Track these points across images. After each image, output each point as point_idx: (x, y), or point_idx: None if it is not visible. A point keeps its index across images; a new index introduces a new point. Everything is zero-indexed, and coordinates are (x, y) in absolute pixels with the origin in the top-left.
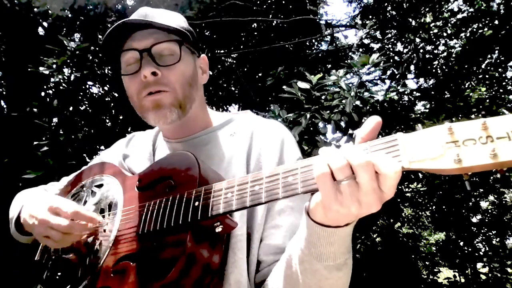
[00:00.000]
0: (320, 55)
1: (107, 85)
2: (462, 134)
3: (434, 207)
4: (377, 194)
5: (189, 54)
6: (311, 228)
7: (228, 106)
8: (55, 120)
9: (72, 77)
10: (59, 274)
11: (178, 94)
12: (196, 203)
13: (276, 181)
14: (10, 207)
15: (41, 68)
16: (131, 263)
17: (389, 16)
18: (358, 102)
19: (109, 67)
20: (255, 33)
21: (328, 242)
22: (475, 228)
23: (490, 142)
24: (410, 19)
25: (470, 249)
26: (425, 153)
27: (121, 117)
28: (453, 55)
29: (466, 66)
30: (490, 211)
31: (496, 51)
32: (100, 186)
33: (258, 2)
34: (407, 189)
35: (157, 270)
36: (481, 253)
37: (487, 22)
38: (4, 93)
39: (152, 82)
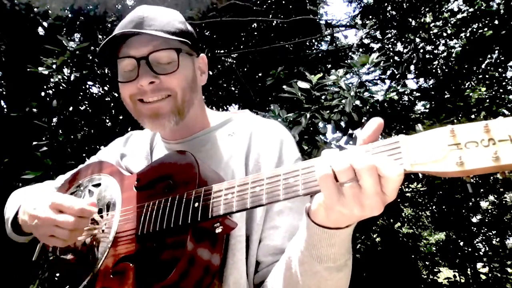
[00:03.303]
0: (320, 55)
1: (107, 85)
2: (464, 136)
3: (434, 207)
4: (380, 197)
5: (188, 58)
6: (311, 229)
7: (228, 106)
8: (54, 120)
9: (72, 77)
10: (57, 275)
11: (178, 99)
12: (196, 204)
13: (277, 183)
14: (5, 207)
15: (40, 68)
16: (131, 264)
17: (389, 16)
18: (358, 102)
19: (109, 67)
20: (255, 33)
21: (329, 244)
22: (475, 228)
23: (492, 145)
24: (410, 19)
25: (470, 249)
26: (427, 155)
27: (121, 117)
28: (453, 55)
29: (466, 66)
30: (490, 211)
31: (496, 51)
32: (97, 185)
33: (258, 2)
34: (407, 189)
35: (157, 271)
36: (481, 253)
37: (487, 22)
38: (4, 93)
39: (149, 91)
